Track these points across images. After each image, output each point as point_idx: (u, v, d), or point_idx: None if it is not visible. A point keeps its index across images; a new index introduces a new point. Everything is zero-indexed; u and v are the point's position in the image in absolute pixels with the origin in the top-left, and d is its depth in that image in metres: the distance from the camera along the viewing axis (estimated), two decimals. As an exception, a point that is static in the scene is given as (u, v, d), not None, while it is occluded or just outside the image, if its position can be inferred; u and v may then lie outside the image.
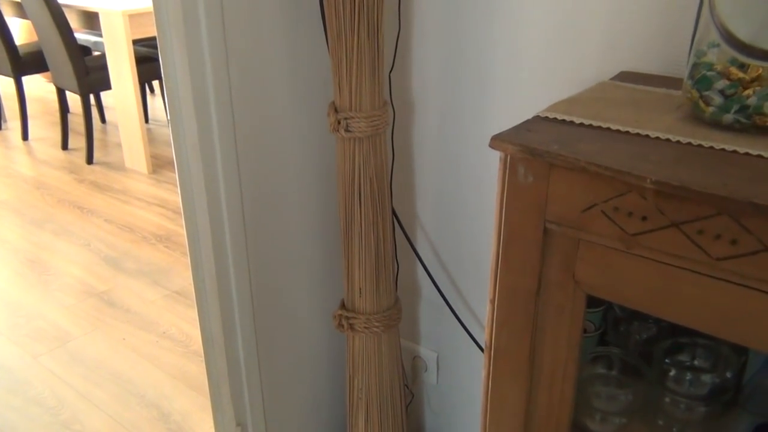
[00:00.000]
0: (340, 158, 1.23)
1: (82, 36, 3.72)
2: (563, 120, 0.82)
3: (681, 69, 1.00)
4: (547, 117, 0.83)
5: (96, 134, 3.69)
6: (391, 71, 1.30)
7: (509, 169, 0.77)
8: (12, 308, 2.32)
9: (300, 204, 1.40)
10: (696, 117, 0.81)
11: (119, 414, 1.84)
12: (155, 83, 4.30)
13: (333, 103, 1.21)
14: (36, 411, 1.86)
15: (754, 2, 0.72)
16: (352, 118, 1.18)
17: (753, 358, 0.89)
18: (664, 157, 0.71)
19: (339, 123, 1.19)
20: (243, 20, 1.18)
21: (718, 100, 0.79)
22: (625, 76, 1.02)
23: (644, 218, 0.69)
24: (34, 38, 4.57)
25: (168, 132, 3.80)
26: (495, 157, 0.80)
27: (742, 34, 0.73)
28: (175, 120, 1.21)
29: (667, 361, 0.84)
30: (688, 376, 0.81)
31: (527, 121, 0.83)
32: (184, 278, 2.47)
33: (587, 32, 1.09)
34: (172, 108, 1.20)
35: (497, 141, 0.77)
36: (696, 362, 0.84)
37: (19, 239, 2.79)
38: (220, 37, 1.16)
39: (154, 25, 1.14)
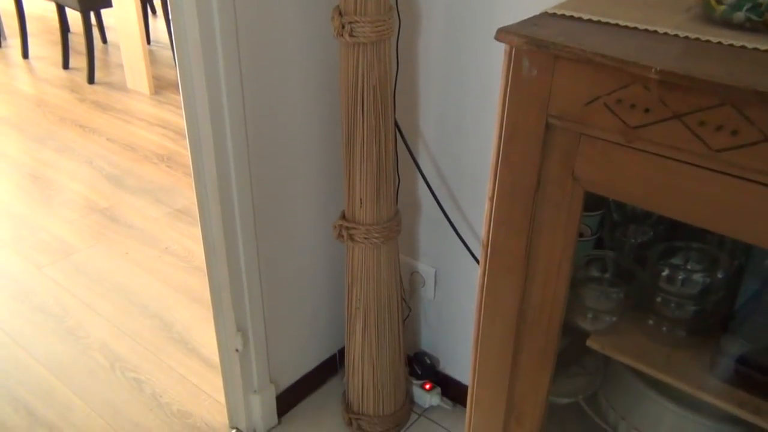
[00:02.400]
0: (344, 64, 1.22)
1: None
2: (571, 16, 0.80)
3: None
4: (555, 13, 0.82)
5: (97, 54, 3.63)
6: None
7: (513, 63, 0.76)
8: (16, 221, 2.35)
9: (302, 113, 1.39)
10: (707, 17, 0.80)
11: (123, 323, 1.89)
12: (157, 4, 4.21)
13: (338, 7, 1.19)
14: (41, 318, 1.90)
15: None
16: (357, 22, 1.16)
17: (746, 286, 0.89)
18: (671, 50, 0.70)
19: (343, 27, 1.17)
20: None
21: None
22: (636, -18, 0.99)
23: (647, 110, 0.68)
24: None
25: (170, 54, 3.74)
26: (500, 67, 0.79)
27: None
28: (178, 31, 1.19)
29: (660, 262, 0.85)
30: (681, 275, 0.82)
31: (534, 17, 0.81)
32: (186, 197, 2.48)
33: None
34: (175, 21, 1.18)
35: (503, 33, 0.76)
36: (689, 266, 0.86)
37: (21, 155, 2.79)
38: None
39: None
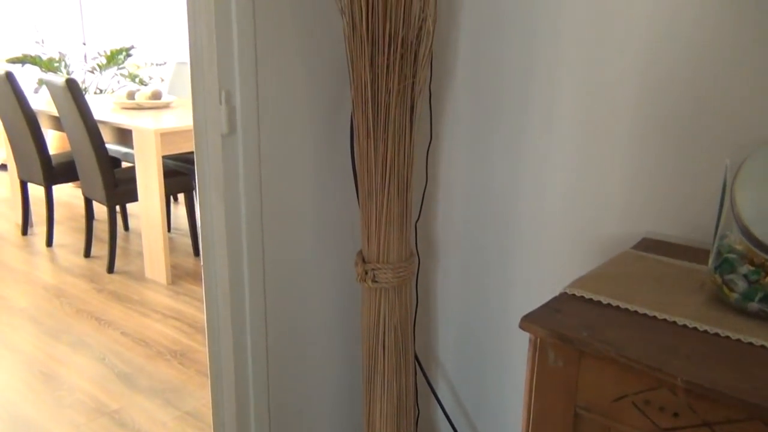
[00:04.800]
0: (366, 307, 1.25)
1: (112, 147, 3.87)
2: (591, 299, 0.84)
3: (701, 233, 1.04)
4: (574, 295, 0.86)
5: (118, 242, 3.76)
6: (417, 221, 1.34)
7: (539, 352, 0.79)
8: (22, 426, 2.29)
9: (323, 346, 1.40)
10: (721, 300, 0.83)
11: None
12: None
13: (361, 252, 1.25)
14: None
15: (765, 201, 0.76)
16: (380, 269, 1.21)
17: None
18: (693, 351, 0.72)
19: (366, 273, 1.22)
20: (277, 170, 1.24)
21: (742, 285, 0.81)
22: (647, 245, 1.05)
23: (676, 414, 0.69)
24: (64, 147, 4.76)
25: (189, 242, 3.88)
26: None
27: (759, 233, 0.76)
28: (207, 265, 1.25)
29: None
30: None
31: (555, 299, 0.85)
32: (197, 398, 2.44)
33: (610, 194, 1.13)
34: (206, 252, 1.25)
35: (527, 323, 0.79)
36: None
37: (34, 350, 2.79)
38: (256, 184, 1.21)
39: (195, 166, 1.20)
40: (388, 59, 1.09)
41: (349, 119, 1.27)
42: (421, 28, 1.13)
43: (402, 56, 1.10)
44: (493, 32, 1.20)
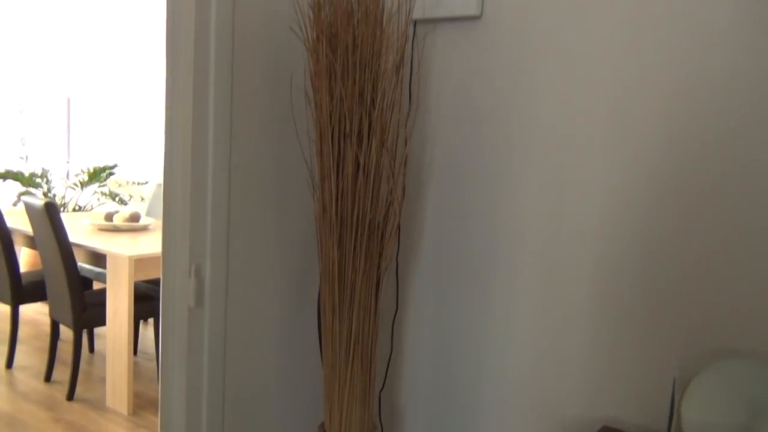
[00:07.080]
0: (326, 484, 1.22)
1: (85, 266, 3.86)
2: None
3: (659, 422, 1.05)
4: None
5: (82, 365, 3.66)
6: (381, 390, 1.34)
7: None
8: None
9: None
10: None
11: None
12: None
13: (322, 425, 1.24)
14: None
15: (709, 425, 0.78)
16: (341, 445, 1.19)
17: None
18: None
19: (327, 449, 1.20)
20: (242, 345, 1.25)
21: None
22: (606, 435, 1.06)
23: None
24: (35, 264, 4.73)
25: (155, 367, 3.78)
26: None
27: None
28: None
29: None
30: None
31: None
32: None
33: (570, 380, 1.15)
34: (164, 425, 1.22)
35: None
36: None
37: (-21, 489, 2.63)
38: (220, 358, 1.21)
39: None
40: (355, 240, 1.14)
41: (317, 293, 1.30)
42: (388, 210, 1.18)
43: (369, 237, 1.15)
44: (457, 211, 1.26)
